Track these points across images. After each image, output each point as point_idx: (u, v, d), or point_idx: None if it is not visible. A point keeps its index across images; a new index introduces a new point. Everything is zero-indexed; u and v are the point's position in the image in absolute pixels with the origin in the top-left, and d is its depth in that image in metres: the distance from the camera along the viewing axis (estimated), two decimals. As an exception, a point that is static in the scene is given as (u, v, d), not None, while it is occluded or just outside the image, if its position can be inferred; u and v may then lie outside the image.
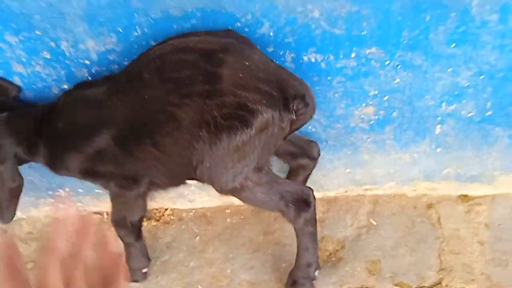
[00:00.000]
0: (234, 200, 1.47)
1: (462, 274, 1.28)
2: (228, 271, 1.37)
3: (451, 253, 1.31)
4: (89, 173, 1.05)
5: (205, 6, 0.91)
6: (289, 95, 0.94)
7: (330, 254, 1.36)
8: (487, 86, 1.08)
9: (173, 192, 1.47)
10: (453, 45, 0.98)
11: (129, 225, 1.19)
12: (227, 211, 1.49)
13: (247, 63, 0.91)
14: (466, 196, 1.40)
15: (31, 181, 1.37)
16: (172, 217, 1.51)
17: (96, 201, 1.51)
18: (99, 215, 1.54)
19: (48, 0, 0.90)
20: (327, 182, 1.40)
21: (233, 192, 1.02)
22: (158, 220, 1.51)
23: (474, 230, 1.35)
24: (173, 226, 1.49)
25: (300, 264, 1.22)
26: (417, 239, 1.34)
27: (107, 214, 1.54)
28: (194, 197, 1.49)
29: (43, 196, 1.51)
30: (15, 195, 1.08)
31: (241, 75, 0.90)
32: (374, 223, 1.39)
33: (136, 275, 1.36)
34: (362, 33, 0.96)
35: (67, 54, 1.00)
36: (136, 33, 0.96)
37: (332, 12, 0.93)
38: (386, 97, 1.10)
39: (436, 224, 1.37)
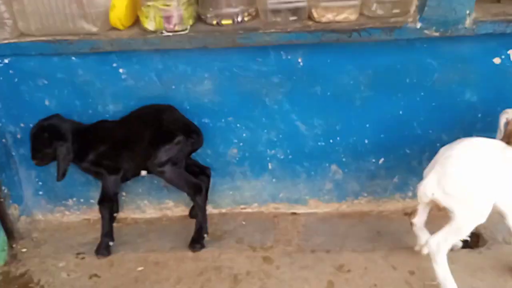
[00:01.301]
0: (168, 212, 2.61)
1: (285, 243, 2.37)
2: (161, 243, 2.42)
3: (281, 235, 2.42)
4: (97, 163, 2.22)
5: (159, 96, 2.27)
6: (190, 130, 2.23)
7: (219, 235, 2.44)
8: (285, 141, 2.40)
9: (132, 205, 2.59)
10: (263, 119, 2.34)
11: (110, 199, 2.29)
12: (164, 219, 2.60)
13: (173, 115, 2.23)
14: (294, 213, 2.58)
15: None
16: (131, 222, 2.60)
17: (88, 210, 2.61)
18: (87, 221, 2.62)
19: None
20: (220, 201, 2.57)
21: (161, 173, 2.20)
22: (123, 223, 2.59)
23: (295, 227, 2.48)
24: (131, 226, 2.57)
25: (196, 228, 2.32)
26: (264, 230, 2.46)
27: (92, 220, 2.61)
28: (145, 209, 2.61)
29: (57, 205, 2.61)
30: (68, 163, 2.18)
31: (170, 119, 2.21)
32: (244, 223, 2.53)
33: (102, 248, 2.33)
34: (225, 109, 2.32)
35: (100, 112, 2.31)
36: (131, 103, 2.30)
37: (213, 101, 2.31)
38: (241, 144, 2.40)
39: (276, 225, 2.49)
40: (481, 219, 1.83)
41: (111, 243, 2.37)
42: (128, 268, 2.27)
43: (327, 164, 2.45)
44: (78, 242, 2.47)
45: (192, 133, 2.21)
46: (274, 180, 2.51)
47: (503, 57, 2.12)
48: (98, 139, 2.23)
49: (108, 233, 2.34)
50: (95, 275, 2.25)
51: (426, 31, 1.98)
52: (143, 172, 2.29)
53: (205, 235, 2.34)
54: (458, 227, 1.85)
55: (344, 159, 2.43)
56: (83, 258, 2.36)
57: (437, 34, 1.98)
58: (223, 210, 2.61)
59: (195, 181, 2.27)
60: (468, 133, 2.13)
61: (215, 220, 2.53)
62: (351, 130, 2.34)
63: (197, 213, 2.31)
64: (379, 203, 2.54)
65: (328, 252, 2.29)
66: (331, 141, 2.38)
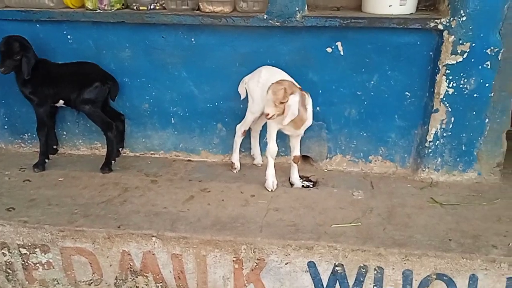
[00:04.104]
0: (96, 151, 3.45)
1: (172, 174, 3.15)
2: (83, 167, 3.23)
3: (173, 171, 3.20)
4: (32, 92, 3.08)
5: (93, 58, 3.19)
6: (106, 79, 3.10)
7: (127, 167, 3.24)
8: (183, 101, 3.24)
9: (70, 143, 3.43)
10: (167, 82, 3.20)
11: (43, 125, 3.12)
12: (92, 156, 3.43)
13: (95, 68, 3.11)
14: (190, 160, 3.37)
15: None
16: (68, 155, 3.44)
17: (37, 144, 3.45)
18: (36, 152, 3.46)
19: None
20: (136, 146, 3.40)
21: (83, 109, 3.05)
22: (61, 156, 3.42)
23: (186, 168, 3.25)
24: (67, 158, 3.41)
25: (106, 156, 3.14)
26: (161, 166, 3.24)
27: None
28: (80, 147, 3.44)
29: (16, 138, 3.48)
30: (30, 68, 2.88)
31: (92, 71, 3.09)
32: (149, 162, 3.33)
33: (39, 164, 3.17)
34: (140, 72, 3.20)
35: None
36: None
37: (131, 65, 3.21)
38: (151, 100, 3.25)
39: (172, 165, 3.29)
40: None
41: (46, 160, 3.20)
42: (53, 178, 3.08)
43: (214, 123, 3.27)
44: (24, 163, 3.30)
45: (107, 81, 3.08)
46: (176, 132, 3.34)
47: (333, 47, 2.96)
48: (39, 72, 3.00)
49: (44, 152, 3.18)
50: (28, 180, 3.07)
51: (270, 21, 2.86)
52: (61, 102, 3.11)
53: (113, 162, 3.15)
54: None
55: (226, 120, 3.24)
56: (23, 170, 3.19)
57: (278, 23, 2.85)
58: (137, 154, 3.43)
59: (108, 120, 3.12)
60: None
61: (129, 159, 3.35)
62: (230, 96, 3.16)
63: (107, 145, 3.14)
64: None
65: (200, 181, 3.05)
66: (216, 104, 3.21)
